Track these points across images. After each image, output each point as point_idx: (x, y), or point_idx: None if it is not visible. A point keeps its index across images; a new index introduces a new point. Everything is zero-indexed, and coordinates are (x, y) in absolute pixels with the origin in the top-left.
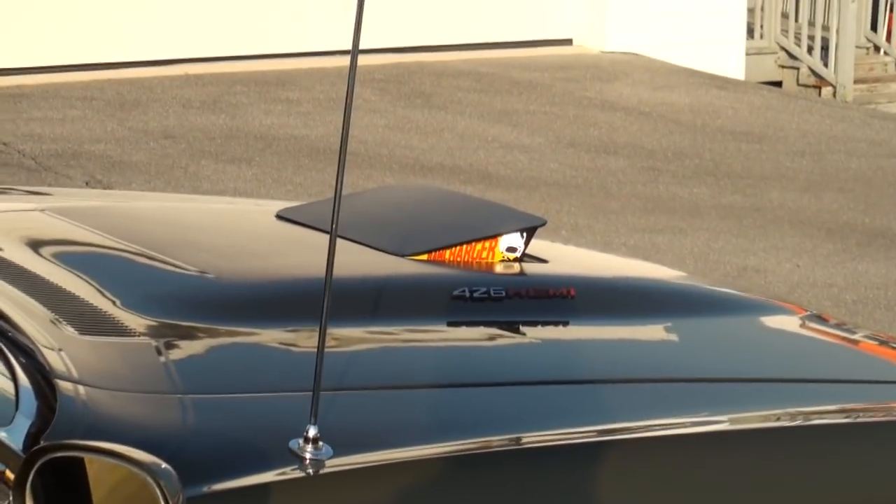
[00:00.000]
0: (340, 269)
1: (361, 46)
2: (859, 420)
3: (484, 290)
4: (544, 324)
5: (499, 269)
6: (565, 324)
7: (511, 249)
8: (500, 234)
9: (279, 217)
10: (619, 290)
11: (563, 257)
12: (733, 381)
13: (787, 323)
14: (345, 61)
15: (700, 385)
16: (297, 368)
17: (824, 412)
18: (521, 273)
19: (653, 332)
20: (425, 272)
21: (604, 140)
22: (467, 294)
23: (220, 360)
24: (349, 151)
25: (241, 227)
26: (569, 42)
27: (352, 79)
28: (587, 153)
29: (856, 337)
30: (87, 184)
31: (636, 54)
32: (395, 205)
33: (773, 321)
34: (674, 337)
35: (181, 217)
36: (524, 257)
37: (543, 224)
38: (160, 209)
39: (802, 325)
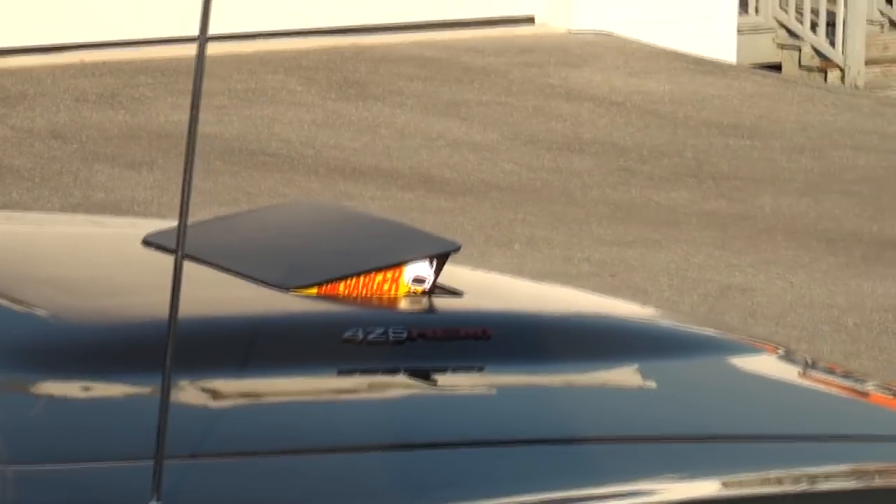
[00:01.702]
0: (206, 306)
1: (286, 27)
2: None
3: (381, 330)
4: (454, 370)
5: (402, 304)
6: (479, 370)
7: (418, 281)
8: (405, 263)
9: (146, 243)
10: (545, 329)
11: (482, 289)
12: (678, 439)
13: (752, 365)
14: (269, 45)
15: (642, 446)
16: (142, 430)
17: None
18: (429, 309)
19: (585, 379)
20: (311, 309)
21: (568, 136)
22: (360, 336)
23: (44, 421)
24: (268, 153)
25: (96, 255)
26: (530, 21)
27: (200, 70)
28: (548, 151)
29: (830, 379)
30: None
31: (609, 34)
32: (282, 227)
33: (734, 363)
34: (609, 385)
35: (22, 243)
36: (435, 290)
37: (457, 249)
38: (34, 236)
39: (770, 368)
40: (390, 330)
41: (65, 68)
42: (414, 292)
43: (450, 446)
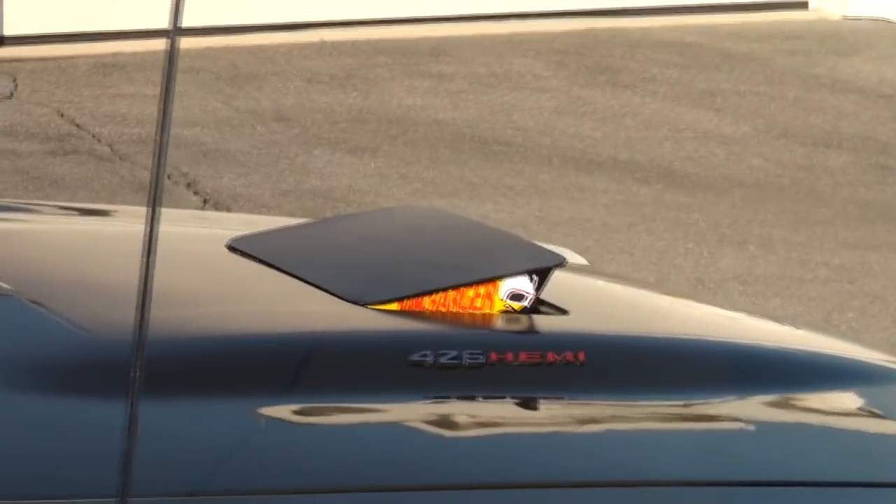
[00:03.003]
0: (263, 321)
1: (540, 8)
2: None
3: (454, 354)
4: (533, 400)
5: (490, 323)
6: (563, 401)
7: (516, 297)
8: (501, 278)
9: (230, 248)
10: (648, 354)
11: (597, 307)
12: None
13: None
14: (520, 27)
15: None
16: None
17: None
18: (519, 330)
19: (681, 412)
20: (383, 327)
21: (827, 130)
22: (430, 360)
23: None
24: (501, 141)
25: (176, 260)
26: (804, 5)
27: (170, 68)
28: (802, 146)
29: None
30: (168, 178)
31: (888, 21)
32: (375, 235)
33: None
34: (732, 420)
35: (94, 245)
36: (539, 306)
37: (562, 264)
38: (65, 233)
39: None
40: (465, 353)
41: (302, 47)
42: (511, 310)
43: (515, 487)
